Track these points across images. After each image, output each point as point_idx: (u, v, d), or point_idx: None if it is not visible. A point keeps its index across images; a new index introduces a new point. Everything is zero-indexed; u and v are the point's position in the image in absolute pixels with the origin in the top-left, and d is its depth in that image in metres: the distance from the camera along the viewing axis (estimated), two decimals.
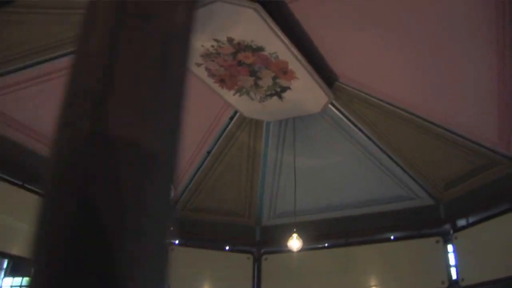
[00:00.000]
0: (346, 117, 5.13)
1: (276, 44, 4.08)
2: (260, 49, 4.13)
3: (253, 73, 4.45)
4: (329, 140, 5.37)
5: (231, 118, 5.32)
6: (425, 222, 5.52)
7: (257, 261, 6.24)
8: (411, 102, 4.51)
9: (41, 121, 4.13)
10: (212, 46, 4.15)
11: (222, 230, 6.19)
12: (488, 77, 3.75)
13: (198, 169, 5.76)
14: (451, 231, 5.30)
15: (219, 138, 5.51)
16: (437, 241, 5.39)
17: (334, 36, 4.17)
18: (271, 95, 4.76)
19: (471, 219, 5.06)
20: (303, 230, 6.02)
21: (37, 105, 4.10)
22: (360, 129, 5.20)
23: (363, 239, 5.78)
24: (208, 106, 5.11)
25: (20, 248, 4.25)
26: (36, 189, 4.29)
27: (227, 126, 5.40)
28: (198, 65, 4.40)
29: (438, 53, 3.92)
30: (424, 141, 4.92)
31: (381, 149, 5.29)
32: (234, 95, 4.79)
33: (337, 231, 5.93)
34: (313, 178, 5.80)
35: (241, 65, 4.35)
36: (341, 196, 5.78)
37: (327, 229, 5.99)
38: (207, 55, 4.26)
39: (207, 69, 4.44)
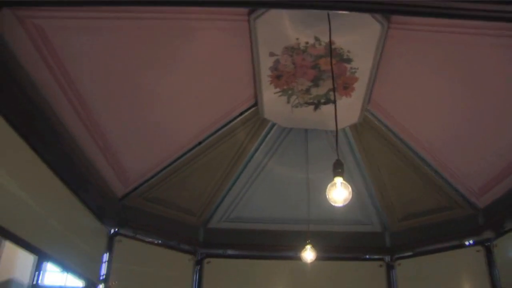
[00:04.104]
0: (348, 140, 5.31)
1: (365, 62, 4.04)
2: (348, 60, 4.03)
3: (316, 79, 4.29)
4: (320, 156, 5.42)
5: (241, 114, 4.94)
6: (372, 248, 6.07)
7: (199, 264, 5.85)
8: (428, 147, 4.93)
9: None
10: (307, 43, 3.87)
11: (169, 226, 5.63)
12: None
13: (178, 159, 5.14)
14: (394, 258, 5.96)
15: (217, 131, 5.04)
16: (380, 266, 5.98)
17: (392, 67, 4.28)
18: (311, 104, 4.64)
19: (417, 250, 5.79)
20: (254, 238, 5.98)
21: None
22: (354, 154, 5.44)
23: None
24: (232, 96, 4.67)
25: None
26: None
27: (232, 121, 4.99)
28: (272, 55, 4.02)
29: (477, 108, 4.27)
30: (407, 176, 5.42)
31: (363, 175, 5.62)
32: (275, 93, 4.50)
33: (289, 244, 5.99)
34: (287, 188, 5.78)
35: (314, 68, 4.16)
36: (305, 211, 5.87)
37: (280, 240, 6.01)
38: (292, 49, 3.94)
39: (276, 61, 4.09)
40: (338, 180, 2.80)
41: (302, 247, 5.73)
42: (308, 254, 4.72)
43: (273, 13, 3.56)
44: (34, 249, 3.61)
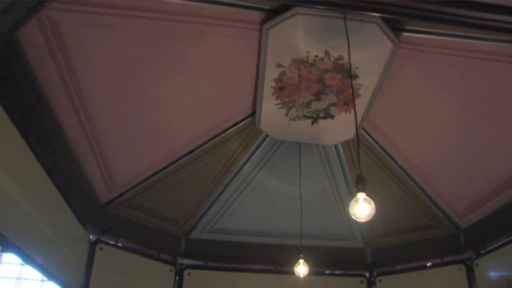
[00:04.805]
0: (339, 156, 5.34)
1: (370, 79, 4.07)
2: (354, 76, 4.05)
3: (319, 93, 4.28)
4: (309, 170, 5.43)
5: (236, 124, 4.88)
6: (353, 263, 6.09)
7: (179, 275, 5.69)
8: (419, 167, 5.02)
9: None
10: (316, 56, 3.86)
11: (151, 235, 5.47)
12: (503, 167, 4.50)
13: (167, 166, 5.00)
14: (375, 275, 6.01)
15: (210, 140, 4.94)
16: (361, 282, 6.01)
17: (393, 86, 4.34)
18: (309, 118, 4.62)
19: (397, 267, 5.86)
20: (237, 250, 5.89)
21: None
22: (343, 169, 5.47)
23: (292, 268, 5.91)
24: (230, 104, 4.60)
25: None
26: None
27: (226, 130, 4.91)
28: (279, 66, 3.99)
29: (472, 133, 4.35)
30: (395, 194, 5.49)
31: (349, 191, 5.66)
32: (275, 105, 4.46)
33: (272, 257, 5.93)
34: (274, 201, 5.73)
35: (319, 82, 4.15)
36: (287, 224, 5.83)
37: (263, 254, 5.94)
38: (300, 61, 3.92)
39: (282, 73, 4.06)
40: (361, 195, 2.77)
41: (285, 260, 5.72)
42: (301, 269, 4.66)
43: (288, 23, 3.53)
44: (16, 250, 3.38)
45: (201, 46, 3.67)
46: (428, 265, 5.61)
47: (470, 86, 3.88)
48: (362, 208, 2.74)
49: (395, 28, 3.61)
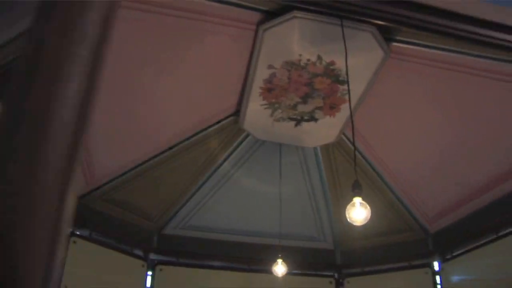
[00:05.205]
0: (317, 158, 5.44)
1: (358, 86, 4.17)
2: (342, 82, 4.14)
3: (306, 96, 4.35)
4: (288, 171, 5.50)
5: (219, 121, 4.88)
6: (323, 264, 6.21)
7: (151, 271, 5.63)
8: (395, 173, 5.19)
9: None
10: (308, 60, 3.92)
11: (125, 230, 5.38)
12: (476, 178, 4.71)
13: (146, 162, 4.94)
14: (343, 276, 6.15)
15: (191, 137, 4.92)
16: (330, 282, 6.15)
17: (377, 94, 4.48)
18: (293, 120, 4.68)
19: (366, 269, 6.03)
20: (210, 248, 5.89)
21: None
22: (320, 172, 5.57)
23: (265, 268, 5.98)
24: (216, 102, 4.60)
25: None
26: None
27: (209, 127, 4.90)
28: (270, 67, 4.03)
29: (451, 142, 4.46)
30: (369, 199, 5.62)
31: (325, 194, 5.77)
32: (261, 105, 4.49)
33: (242, 256, 5.96)
34: (251, 200, 5.76)
35: (308, 86, 4.22)
36: (261, 223, 5.89)
37: (237, 252, 5.96)
38: (292, 64, 3.97)
39: (273, 74, 4.10)
40: (357, 200, 2.85)
41: (258, 259, 5.79)
42: (279, 268, 4.71)
43: (285, 26, 3.56)
44: None
45: (198, 44, 3.65)
46: (396, 267, 5.80)
47: (455, 99, 4.04)
48: (358, 212, 2.81)
49: (387, 38, 3.72)
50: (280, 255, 4.82)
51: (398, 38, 3.76)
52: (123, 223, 5.31)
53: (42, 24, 0.63)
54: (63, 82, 0.60)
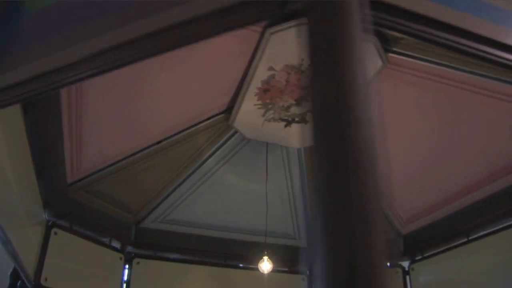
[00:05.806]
0: (299, 159, 5.58)
1: None
2: None
3: (301, 99, 4.46)
4: (272, 169, 5.60)
5: (208, 119, 4.92)
6: (297, 261, 6.37)
7: (129, 264, 5.59)
8: None
9: None
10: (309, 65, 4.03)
11: (105, 222, 5.32)
12: (453, 183, 4.98)
13: (132, 155, 4.90)
14: (314, 273, 6.34)
15: (179, 133, 4.93)
16: (303, 279, 6.32)
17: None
18: (283, 120, 4.79)
19: None
20: (189, 242, 5.92)
21: None
22: (301, 172, 5.72)
23: (242, 264, 6.07)
24: (209, 99, 4.64)
25: None
26: None
27: (197, 124, 4.93)
28: (271, 69, 4.11)
29: (435, 149, 4.68)
30: None
31: (304, 193, 5.92)
32: (255, 105, 4.57)
33: (220, 251, 6.01)
34: (233, 197, 5.82)
35: (304, 89, 4.34)
36: (241, 220, 5.97)
37: (208, 246, 5.98)
38: (292, 67, 4.08)
39: (271, 76, 4.19)
40: None
41: (236, 255, 5.88)
42: (265, 265, 4.82)
43: (293, 32, 3.66)
44: None
45: (206, 42, 3.67)
46: None
47: (443, 112, 4.28)
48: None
49: (385, 48, 3.89)
50: (266, 252, 4.91)
51: (394, 49, 3.94)
52: (103, 215, 5.23)
53: None
54: None
